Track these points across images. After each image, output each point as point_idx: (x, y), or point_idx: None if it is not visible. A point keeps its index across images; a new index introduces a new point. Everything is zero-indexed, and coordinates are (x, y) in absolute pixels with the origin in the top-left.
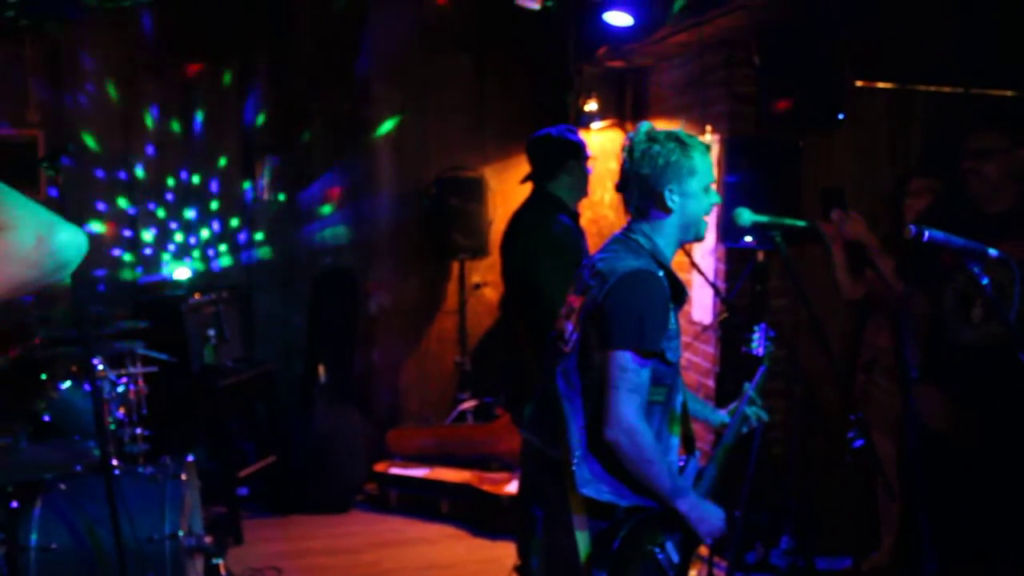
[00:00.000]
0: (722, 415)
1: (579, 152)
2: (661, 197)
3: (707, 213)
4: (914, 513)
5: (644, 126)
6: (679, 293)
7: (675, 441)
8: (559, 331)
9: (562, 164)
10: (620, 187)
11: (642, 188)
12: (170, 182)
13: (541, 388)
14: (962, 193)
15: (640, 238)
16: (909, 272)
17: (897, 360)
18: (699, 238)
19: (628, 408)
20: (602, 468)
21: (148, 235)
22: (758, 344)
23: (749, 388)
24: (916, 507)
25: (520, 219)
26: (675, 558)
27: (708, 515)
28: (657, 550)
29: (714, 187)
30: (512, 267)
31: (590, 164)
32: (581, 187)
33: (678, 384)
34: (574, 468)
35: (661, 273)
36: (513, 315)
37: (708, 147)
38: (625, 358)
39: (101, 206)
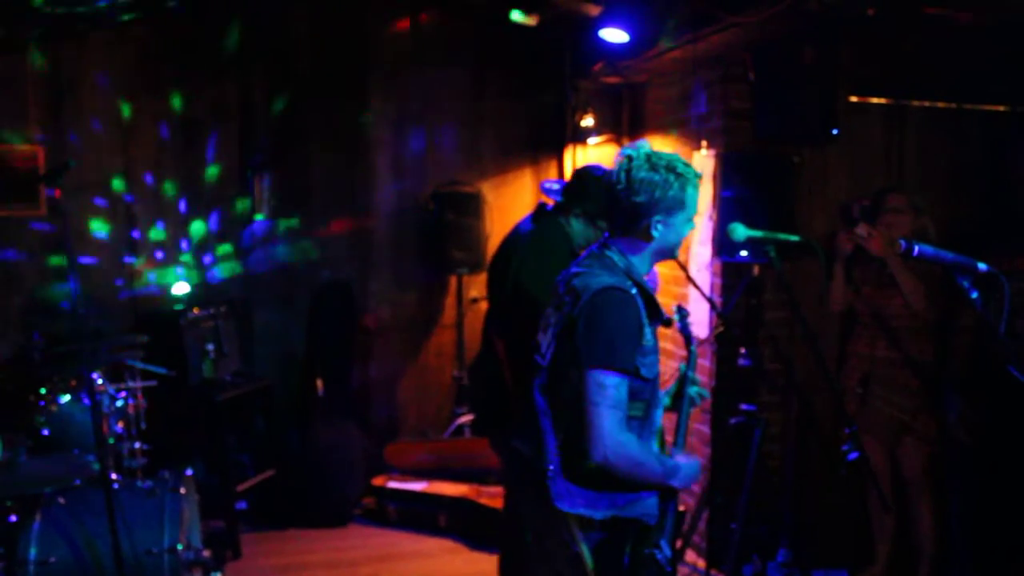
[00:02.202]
0: (661, 395)
1: (596, 215)
2: (647, 226)
3: (681, 241)
4: (907, 525)
5: (643, 148)
6: (654, 310)
7: (655, 449)
8: (536, 344)
9: (573, 205)
10: (606, 203)
11: (630, 213)
12: (169, 196)
13: (526, 399)
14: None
15: (615, 256)
16: (948, 286)
17: (934, 372)
18: (672, 258)
19: (610, 423)
20: (574, 483)
21: (147, 249)
22: (683, 324)
23: (687, 370)
24: (951, 517)
25: (521, 237)
26: (668, 553)
27: (694, 475)
28: (657, 552)
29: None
30: (502, 282)
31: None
32: (581, 240)
33: (657, 398)
34: (547, 482)
35: (634, 291)
36: (494, 331)
37: (699, 176)
38: (600, 375)
39: (101, 221)
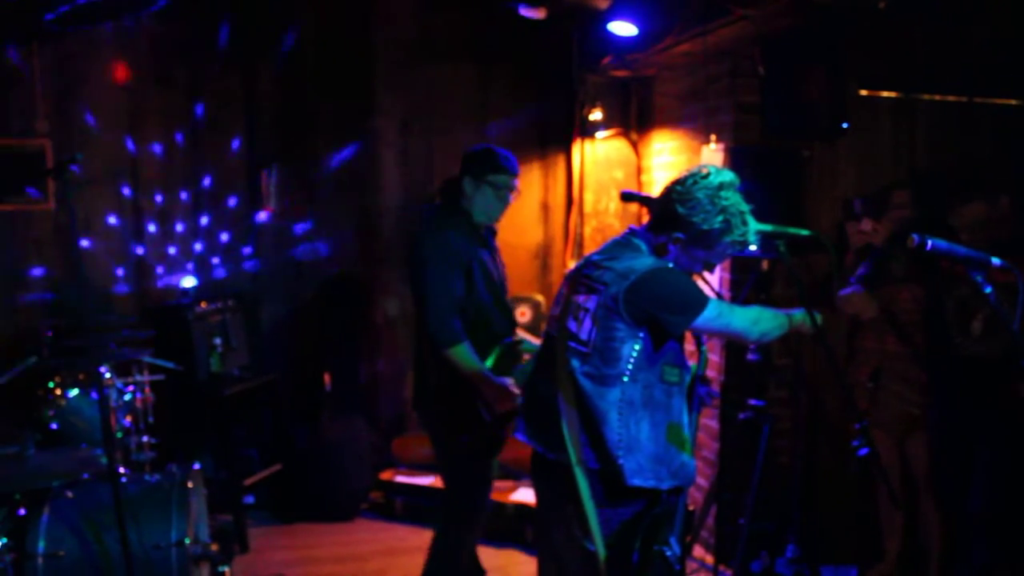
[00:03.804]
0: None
1: (478, 173)
2: (669, 240)
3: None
4: (916, 522)
5: (727, 178)
6: None
7: (686, 418)
8: (567, 334)
9: (462, 176)
10: (657, 205)
11: (666, 214)
12: (177, 191)
13: (531, 394)
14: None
15: (644, 246)
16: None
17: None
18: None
19: (740, 319)
20: (644, 458)
21: (154, 244)
22: None
23: (699, 369)
24: (956, 508)
25: (424, 223)
26: (678, 550)
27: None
28: (666, 549)
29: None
30: (409, 271)
31: (513, 196)
32: (483, 209)
33: (687, 364)
34: (621, 462)
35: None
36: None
37: (745, 241)
38: (703, 317)
39: (108, 215)
